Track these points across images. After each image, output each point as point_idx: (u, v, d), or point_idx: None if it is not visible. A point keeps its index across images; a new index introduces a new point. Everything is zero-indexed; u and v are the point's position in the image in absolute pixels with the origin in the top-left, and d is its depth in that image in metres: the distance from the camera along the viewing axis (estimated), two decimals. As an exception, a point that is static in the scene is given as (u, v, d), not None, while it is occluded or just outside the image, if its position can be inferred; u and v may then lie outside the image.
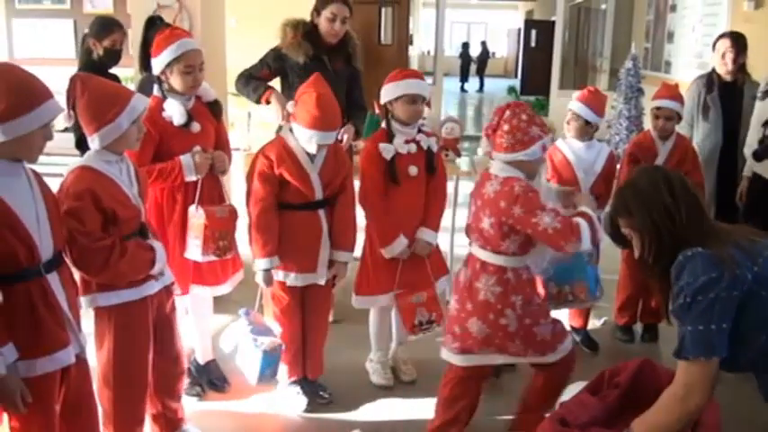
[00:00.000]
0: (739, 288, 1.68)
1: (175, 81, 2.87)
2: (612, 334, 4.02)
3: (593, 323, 4.01)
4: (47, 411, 2.08)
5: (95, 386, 2.40)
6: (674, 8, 8.84)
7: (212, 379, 3.28)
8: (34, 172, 2.08)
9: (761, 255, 1.72)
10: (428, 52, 20.13)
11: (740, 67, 4.08)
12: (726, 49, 4.09)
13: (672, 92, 3.70)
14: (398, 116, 3.09)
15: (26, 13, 5.55)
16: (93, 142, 2.29)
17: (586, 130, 3.56)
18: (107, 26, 3.96)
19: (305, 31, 3.65)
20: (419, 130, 3.16)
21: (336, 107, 2.88)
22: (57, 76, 3.72)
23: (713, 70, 4.25)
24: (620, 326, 3.99)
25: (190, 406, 3.04)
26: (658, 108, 3.65)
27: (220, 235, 2.88)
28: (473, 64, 22.21)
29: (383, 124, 3.16)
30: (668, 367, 2.19)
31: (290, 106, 2.94)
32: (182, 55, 2.82)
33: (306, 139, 2.83)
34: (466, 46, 22.46)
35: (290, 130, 2.92)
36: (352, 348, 3.57)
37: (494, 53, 25.57)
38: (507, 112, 2.55)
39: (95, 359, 2.45)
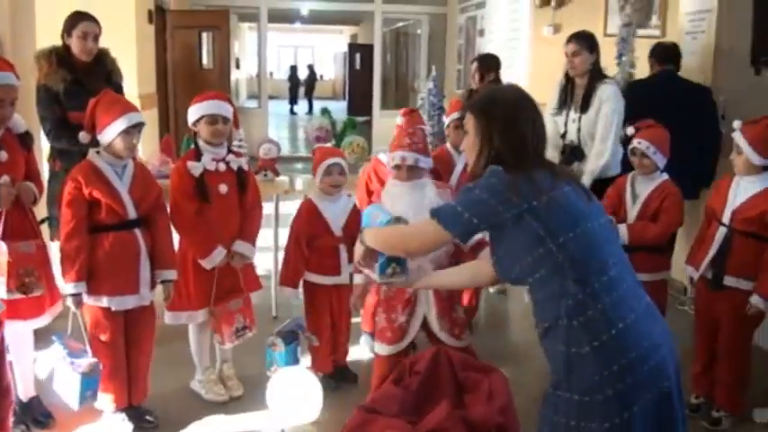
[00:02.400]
0: (507, 209, 1.91)
1: None
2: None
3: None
4: None
5: None
6: (482, 33, 9.56)
7: (36, 416, 3.18)
8: None
9: (547, 192, 1.92)
10: (255, 76, 20.21)
11: (490, 83, 4.67)
12: (474, 70, 4.73)
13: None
14: (203, 136, 3.23)
15: None
16: None
17: None
18: None
19: (59, 58, 3.69)
20: (229, 151, 3.31)
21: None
22: None
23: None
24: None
25: (15, 445, 2.97)
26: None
27: (25, 272, 2.82)
28: (301, 87, 22.57)
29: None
30: (461, 353, 2.46)
31: (82, 137, 2.98)
32: None
33: (117, 133, 2.87)
34: (294, 69, 22.79)
35: (97, 152, 2.96)
36: (173, 368, 3.59)
37: (321, 76, 26.09)
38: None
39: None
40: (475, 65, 4.62)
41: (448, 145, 4.01)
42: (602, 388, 1.87)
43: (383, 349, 3.04)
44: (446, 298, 3.01)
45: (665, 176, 3.48)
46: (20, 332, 3.05)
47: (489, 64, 4.62)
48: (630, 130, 3.54)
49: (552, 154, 4.28)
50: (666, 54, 4.78)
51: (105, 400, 3.08)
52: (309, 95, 22.46)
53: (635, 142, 3.44)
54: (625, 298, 1.93)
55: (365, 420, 2.24)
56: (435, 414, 2.19)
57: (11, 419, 2.75)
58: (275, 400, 3.16)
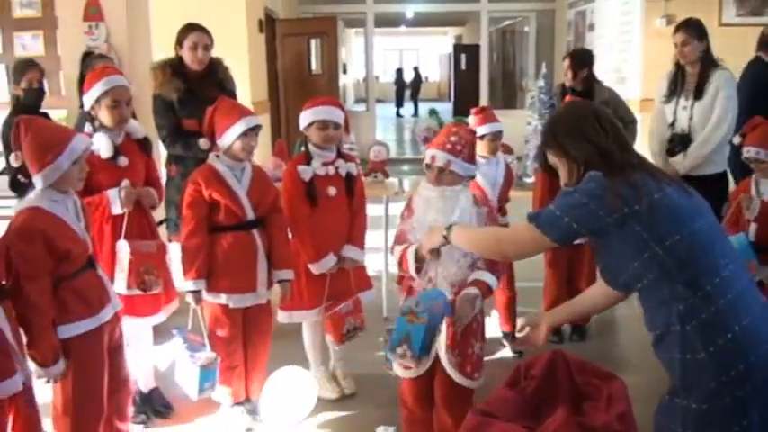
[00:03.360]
0: (608, 215, 1.87)
1: (103, 115, 2.99)
2: (543, 337, 4.22)
3: (524, 328, 4.20)
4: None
5: (50, 414, 2.51)
6: (591, 27, 9.30)
7: (156, 407, 3.35)
8: None
9: (649, 195, 1.87)
10: (362, 80, 20.47)
11: (584, 80, 4.44)
12: (566, 66, 4.52)
13: None
14: (314, 141, 3.28)
15: (-41, 59, 5.51)
16: (37, 182, 2.37)
17: (497, 144, 3.87)
18: (20, 68, 4.06)
19: (172, 68, 3.80)
20: (339, 155, 3.34)
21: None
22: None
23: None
24: (548, 329, 4.21)
25: (136, 433, 3.12)
26: None
27: (146, 270, 2.95)
28: (407, 89, 22.68)
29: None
30: (579, 357, 2.37)
31: (202, 143, 3.09)
32: (109, 90, 2.95)
33: (236, 136, 2.96)
34: (399, 72, 22.93)
35: (217, 156, 3.06)
36: (288, 364, 3.64)
37: (426, 77, 26.11)
38: None
39: (51, 388, 2.52)
40: (567, 61, 4.46)
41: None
42: (719, 395, 1.79)
43: (402, 372, 2.78)
44: (462, 330, 2.65)
45: None
46: (139, 328, 3.20)
47: (582, 60, 4.44)
48: (737, 140, 3.50)
49: (654, 144, 4.20)
50: (762, 41, 4.83)
51: (223, 394, 3.18)
52: (415, 97, 22.52)
53: (745, 151, 3.38)
54: (740, 299, 1.84)
55: (480, 423, 2.20)
56: (553, 420, 2.13)
57: (130, 409, 2.91)
58: (269, 399, 3.25)
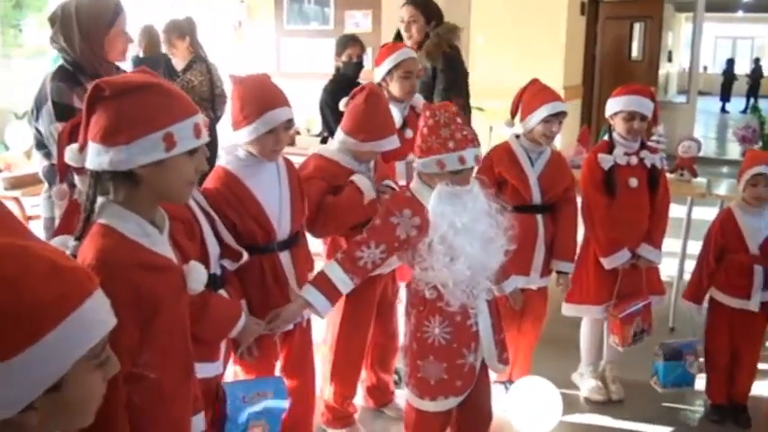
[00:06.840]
0: None
1: (394, 87, 3.19)
2: None
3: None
4: (267, 365, 2.42)
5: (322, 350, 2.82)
6: None
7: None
8: (286, 161, 2.39)
9: None
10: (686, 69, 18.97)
11: None
12: None
13: None
14: (618, 130, 3.14)
15: (294, 33, 6.21)
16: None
17: None
18: (343, 43, 4.38)
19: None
20: (643, 146, 3.16)
21: None
22: (320, 87, 4.21)
23: None
24: None
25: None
26: None
27: None
28: (736, 81, 20.42)
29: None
30: None
31: (506, 122, 3.15)
32: (401, 62, 3.15)
33: (539, 120, 2.95)
34: (730, 62, 20.78)
35: (516, 136, 3.07)
36: (558, 356, 3.59)
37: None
38: None
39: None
40: None
41: None
42: None
43: (445, 404, 2.34)
44: (497, 314, 2.38)
45: None
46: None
47: None
48: None
49: None
50: None
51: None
52: (753, 93, 19.98)
53: None
54: None
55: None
56: None
57: (395, 362, 3.10)
58: (514, 409, 3.03)
